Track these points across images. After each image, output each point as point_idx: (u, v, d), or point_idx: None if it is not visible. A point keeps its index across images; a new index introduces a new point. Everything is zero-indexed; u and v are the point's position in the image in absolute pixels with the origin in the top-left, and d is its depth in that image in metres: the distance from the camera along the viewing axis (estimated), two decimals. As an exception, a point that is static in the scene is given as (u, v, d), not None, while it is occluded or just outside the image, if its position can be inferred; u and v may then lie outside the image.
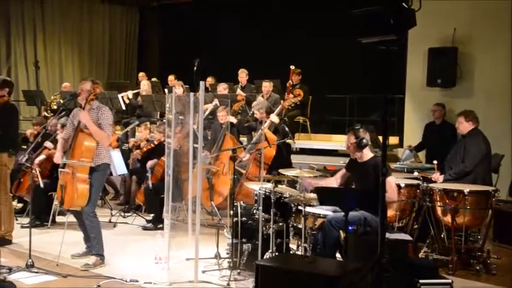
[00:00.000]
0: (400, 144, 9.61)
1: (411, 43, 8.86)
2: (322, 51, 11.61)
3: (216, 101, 9.12)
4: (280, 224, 5.36)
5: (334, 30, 11.22)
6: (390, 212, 5.80)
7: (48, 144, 7.52)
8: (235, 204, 5.55)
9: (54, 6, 13.47)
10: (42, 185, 6.54)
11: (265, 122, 7.27)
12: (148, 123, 8.92)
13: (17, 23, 12.94)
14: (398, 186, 5.84)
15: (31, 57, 12.97)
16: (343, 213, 4.62)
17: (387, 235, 4.31)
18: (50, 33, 13.46)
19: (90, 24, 14.29)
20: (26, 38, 13.09)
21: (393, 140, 9.81)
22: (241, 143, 8.52)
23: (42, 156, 7.43)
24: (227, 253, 5.67)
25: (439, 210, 5.75)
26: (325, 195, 4.87)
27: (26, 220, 7.29)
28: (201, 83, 5.31)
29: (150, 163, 7.79)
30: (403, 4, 3.55)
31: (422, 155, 8.34)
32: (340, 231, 4.84)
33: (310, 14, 11.99)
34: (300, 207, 5.31)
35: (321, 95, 10.67)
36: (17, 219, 7.02)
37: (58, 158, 5.88)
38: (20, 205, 8.04)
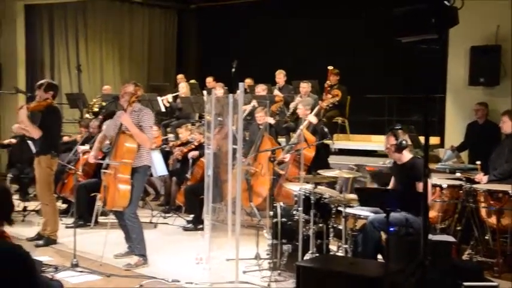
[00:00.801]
0: (441, 145, 9.43)
1: (452, 41, 8.69)
2: (360, 51, 11.50)
3: (254, 102, 9.14)
4: (320, 225, 5.33)
5: (372, 29, 11.12)
6: (432, 213, 5.71)
7: (81, 148, 7.68)
8: (274, 205, 5.56)
9: (95, 11, 13.74)
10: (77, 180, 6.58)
11: (304, 121, 7.25)
12: (189, 124, 9.01)
13: (60, 28, 13.25)
14: (440, 187, 5.75)
15: (73, 61, 13.25)
16: (384, 214, 4.57)
17: (430, 236, 4.25)
18: (92, 37, 13.74)
19: (130, 28, 14.51)
20: (69, 42, 13.39)
21: (434, 140, 9.64)
22: (279, 144, 8.52)
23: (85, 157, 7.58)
24: (267, 254, 5.67)
25: (483, 212, 5.64)
26: (366, 196, 4.82)
27: (70, 220, 7.45)
28: (240, 84, 5.33)
29: (192, 153, 7.87)
30: (445, 2, 3.49)
31: (464, 155, 8.17)
32: (381, 232, 4.79)
33: (348, 14, 11.90)
34: (340, 208, 5.28)
35: (360, 95, 10.57)
36: (61, 220, 7.16)
37: (91, 158, 6.02)
38: (64, 206, 8.22)
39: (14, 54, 12.17)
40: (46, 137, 6.40)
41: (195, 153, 7.91)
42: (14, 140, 8.71)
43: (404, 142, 5.15)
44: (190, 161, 7.94)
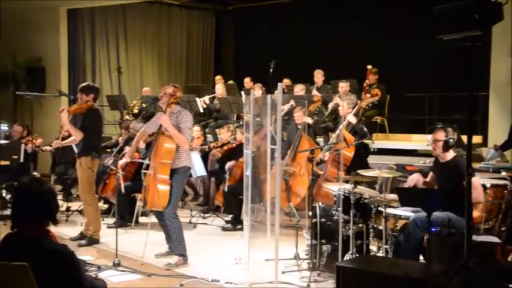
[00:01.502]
0: (484, 144, 9.24)
1: (496, 38, 8.50)
2: (399, 49, 11.34)
3: (292, 102, 9.13)
4: (360, 225, 5.28)
5: (411, 27, 10.97)
6: (476, 213, 5.59)
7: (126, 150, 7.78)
8: (313, 205, 5.53)
9: (135, 14, 13.95)
10: (123, 190, 6.72)
11: (343, 121, 7.20)
12: (231, 125, 9.05)
13: (101, 32, 13.50)
14: (484, 186, 5.63)
15: (114, 64, 13.48)
16: (426, 214, 4.50)
17: (474, 237, 4.15)
18: (131, 40, 13.96)
19: (169, 30, 14.68)
20: (110, 45, 13.63)
21: (476, 139, 9.45)
22: (317, 144, 8.48)
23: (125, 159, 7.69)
24: (306, 254, 5.66)
25: (529, 212, 5.49)
26: (406, 196, 4.76)
27: (111, 220, 7.58)
28: (279, 85, 5.33)
29: (228, 164, 7.91)
30: (489, -2, 3.41)
31: (508, 154, 7.98)
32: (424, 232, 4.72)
33: (387, 12, 11.76)
34: (380, 208, 5.22)
35: (399, 94, 10.43)
36: (103, 220, 7.28)
37: (127, 156, 6.12)
38: (106, 206, 8.36)
39: (57, 57, 12.46)
40: (87, 139, 6.52)
41: (232, 163, 7.91)
42: (49, 148, 8.87)
43: (452, 140, 5.08)
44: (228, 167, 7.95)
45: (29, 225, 2.91)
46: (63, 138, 7.89)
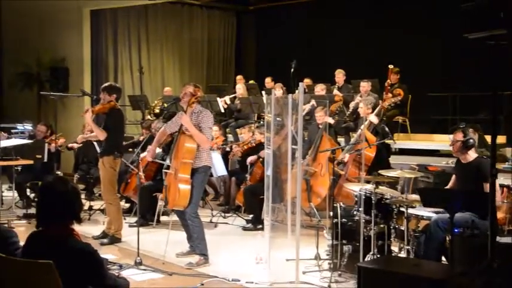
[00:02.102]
0: (509, 144, 9.10)
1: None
2: (421, 48, 11.24)
3: (313, 102, 9.10)
4: (382, 225, 5.25)
5: (433, 26, 10.87)
6: (500, 215, 5.52)
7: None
8: (334, 205, 5.51)
9: (157, 15, 14.04)
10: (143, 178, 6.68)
11: (364, 121, 7.16)
12: (253, 125, 9.06)
13: (123, 32, 13.62)
14: (508, 187, 5.56)
15: (136, 64, 13.59)
16: (448, 215, 4.45)
17: (497, 239, 4.10)
18: (153, 40, 14.05)
19: (190, 30, 14.74)
20: (132, 46, 13.74)
21: (500, 139, 9.31)
22: (338, 144, 8.44)
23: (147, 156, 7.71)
24: (327, 254, 5.64)
25: (554, 213, 5.41)
26: (429, 197, 4.72)
27: (133, 219, 7.63)
28: (300, 85, 5.32)
29: (250, 158, 7.93)
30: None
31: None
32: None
33: (408, 11, 11.67)
34: (402, 209, 5.18)
35: (421, 94, 10.34)
36: (124, 219, 7.33)
37: (149, 156, 6.16)
38: (127, 205, 8.43)
39: (80, 58, 12.60)
40: (109, 139, 6.58)
41: (254, 158, 7.94)
42: (76, 145, 8.99)
43: (471, 141, 5.03)
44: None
45: (53, 224, 2.95)
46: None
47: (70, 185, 3.03)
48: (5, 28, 13.50)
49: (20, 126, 9.90)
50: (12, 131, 9.66)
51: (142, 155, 7.47)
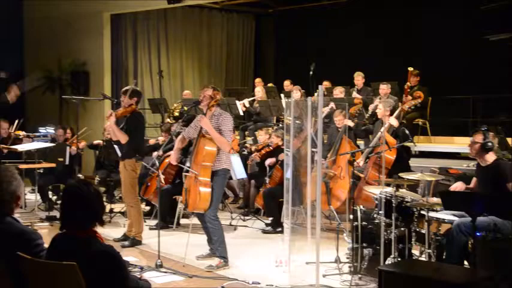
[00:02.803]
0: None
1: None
2: (440, 50, 11.17)
3: (332, 104, 9.08)
4: (402, 228, 5.22)
5: (453, 28, 10.79)
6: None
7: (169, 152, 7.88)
8: (354, 208, 5.50)
9: (176, 18, 14.14)
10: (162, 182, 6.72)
11: (385, 123, 7.13)
12: (270, 128, 9.08)
13: (143, 36, 13.73)
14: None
15: (155, 68, 13.70)
16: (470, 218, 4.41)
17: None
18: (172, 43, 14.15)
19: (209, 33, 14.81)
20: (151, 49, 13.85)
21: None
22: (358, 146, 8.41)
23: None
24: (347, 257, 5.62)
25: None
26: (450, 200, 4.68)
27: (152, 222, 7.69)
28: (320, 87, 5.31)
29: (269, 160, 7.95)
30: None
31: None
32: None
33: (425, 13, 11.60)
34: (422, 212, 5.15)
35: (441, 96, 10.27)
36: (145, 221, 7.37)
37: (173, 159, 6.18)
38: (147, 208, 8.48)
39: (101, 62, 12.73)
40: (131, 142, 6.63)
41: (272, 160, 7.95)
42: (101, 142, 9.10)
43: (490, 144, 4.99)
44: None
45: (76, 226, 2.98)
46: (107, 141, 8.07)
47: (93, 187, 3.06)
48: (27, 34, 13.71)
49: (42, 130, 10.04)
50: (35, 134, 9.81)
51: (166, 155, 7.55)
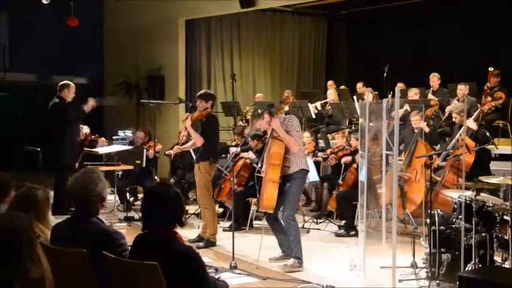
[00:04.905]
0: None
1: None
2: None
3: (406, 106, 8.91)
4: (483, 234, 5.04)
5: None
6: None
7: (244, 154, 7.98)
8: (432, 212, 5.36)
9: (248, 22, 14.27)
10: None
11: (463, 126, 6.92)
12: (346, 131, 9.01)
13: (216, 40, 13.94)
14: None
15: (228, 71, 13.88)
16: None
17: None
18: (245, 47, 14.29)
19: (281, 36, 14.85)
20: (224, 53, 14.05)
21: None
22: (434, 149, 8.20)
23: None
24: (423, 263, 5.49)
25: None
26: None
27: (226, 224, 7.79)
28: (396, 89, 5.21)
29: (345, 158, 7.92)
30: None
31: None
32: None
33: (504, 13, 11.15)
34: (505, 217, 4.95)
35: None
36: (218, 223, 7.47)
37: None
38: (221, 210, 8.60)
39: (176, 66, 13.03)
40: (206, 144, 6.76)
41: (348, 158, 7.90)
42: (172, 152, 9.29)
43: None
44: (343, 166, 7.95)
45: (158, 227, 3.08)
46: (182, 144, 8.25)
47: (173, 189, 3.15)
48: (107, 42, 14.26)
49: (121, 133, 10.39)
50: (114, 137, 10.17)
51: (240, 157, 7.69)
